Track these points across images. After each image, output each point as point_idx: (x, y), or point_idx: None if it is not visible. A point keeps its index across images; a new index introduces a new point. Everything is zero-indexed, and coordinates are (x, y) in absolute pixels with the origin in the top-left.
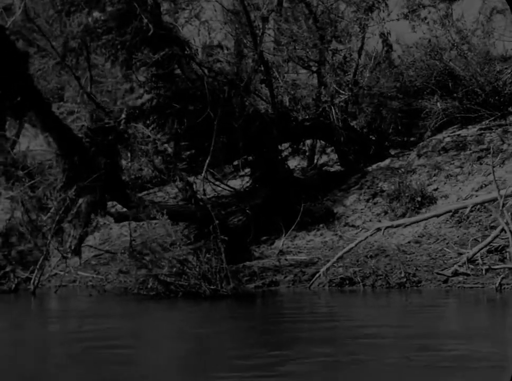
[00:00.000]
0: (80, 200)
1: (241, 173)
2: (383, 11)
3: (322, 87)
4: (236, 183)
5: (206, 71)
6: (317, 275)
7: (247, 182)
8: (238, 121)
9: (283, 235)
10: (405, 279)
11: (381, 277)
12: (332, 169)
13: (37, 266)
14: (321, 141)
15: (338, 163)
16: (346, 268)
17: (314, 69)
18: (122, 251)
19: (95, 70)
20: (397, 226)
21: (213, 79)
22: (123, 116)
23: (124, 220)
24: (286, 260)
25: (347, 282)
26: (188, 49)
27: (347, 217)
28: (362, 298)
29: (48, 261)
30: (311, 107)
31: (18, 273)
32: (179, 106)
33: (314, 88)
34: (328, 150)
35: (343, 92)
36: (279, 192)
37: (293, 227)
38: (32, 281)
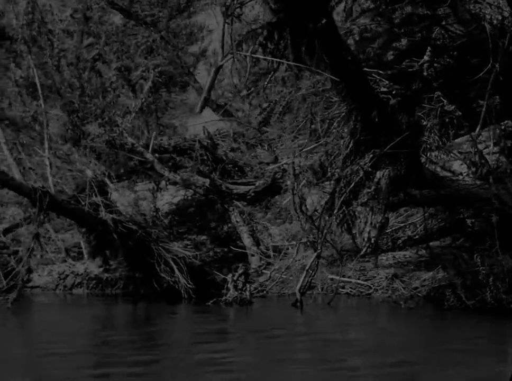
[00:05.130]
0: (378, 174)
1: None
2: None
3: None
4: None
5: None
6: None
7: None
8: None
9: None
10: None
11: None
12: None
13: (308, 269)
14: None
15: None
16: None
17: None
18: None
19: None
20: None
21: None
22: (426, 57)
23: (425, 204)
24: None
25: None
26: None
27: None
28: None
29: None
30: None
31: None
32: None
33: None
34: None
35: None
36: None
37: None
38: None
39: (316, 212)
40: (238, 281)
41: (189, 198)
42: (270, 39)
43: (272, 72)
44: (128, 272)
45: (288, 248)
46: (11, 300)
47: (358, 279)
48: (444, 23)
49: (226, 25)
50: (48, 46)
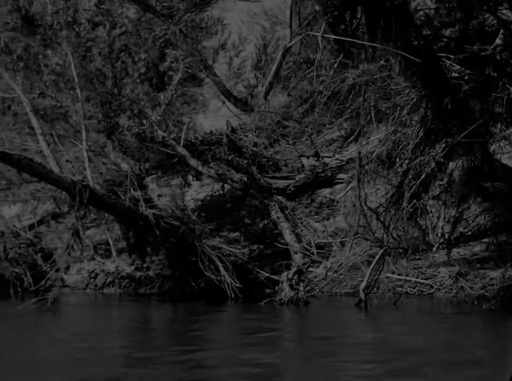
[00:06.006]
0: (451, 165)
1: None
2: None
3: None
4: None
5: None
6: None
7: None
8: None
9: None
10: None
11: None
12: None
13: (372, 268)
14: None
15: None
16: None
17: None
18: None
19: None
20: None
21: None
22: (498, 41)
23: (497, 198)
24: None
25: None
26: None
27: None
28: None
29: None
30: None
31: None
32: None
33: None
34: None
35: None
36: None
37: None
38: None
39: (381, 207)
40: (293, 280)
41: (215, 193)
42: (341, 19)
43: (342, 54)
44: (163, 270)
45: (332, 245)
46: (51, 299)
47: (417, 277)
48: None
49: (294, 3)
50: (74, 36)
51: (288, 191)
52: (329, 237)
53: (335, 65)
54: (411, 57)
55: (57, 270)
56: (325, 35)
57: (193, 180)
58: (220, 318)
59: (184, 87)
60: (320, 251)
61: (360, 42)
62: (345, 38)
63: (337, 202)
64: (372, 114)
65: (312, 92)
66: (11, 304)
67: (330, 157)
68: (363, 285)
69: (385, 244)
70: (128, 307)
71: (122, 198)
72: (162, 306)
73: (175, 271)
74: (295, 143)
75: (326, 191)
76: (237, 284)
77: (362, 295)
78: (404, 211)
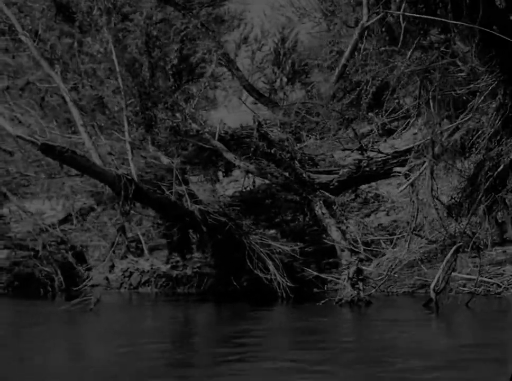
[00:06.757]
0: None
1: None
2: None
3: None
4: None
5: None
6: None
7: None
8: None
9: None
10: None
11: None
12: None
13: (444, 266)
14: None
15: None
16: None
17: None
18: None
19: None
20: None
21: None
22: None
23: None
24: None
25: None
26: None
27: None
28: None
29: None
30: None
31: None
32: None
33: None
34: None
35: None
36: None
37: None
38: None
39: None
40: (353, 279)
41: (246, 189)
42: None
43: (420, 35)
44: (201, 268)
45: (379, 242)
46: (94, 300)
47: (481, 276)
48: None
49: None
50: (106, 24)
51: (331, 186)
52: (375, 234)
53: (413, 47)
54: (505, 37)
55: (90, 269)
56: (406, 14)
57: (223, 176)
58: (279, 319)
59: (215, 80)
60: (367, 248)
61: (446, 20)
62: (430, 17)
63: (382, 197)
64: (431, 102)
65: (358, 82)
66: (44, 304)
67: (376, 151)
68: (433, 284)
69: (459, 240)
70: (168, 306)
71: (167, 192)
72: (205, 305)
73: (217, 269)
74: (323, 138)
75: (363, 186)
76: (288, 283)
77: (432, 295)
78: (481, 205)
